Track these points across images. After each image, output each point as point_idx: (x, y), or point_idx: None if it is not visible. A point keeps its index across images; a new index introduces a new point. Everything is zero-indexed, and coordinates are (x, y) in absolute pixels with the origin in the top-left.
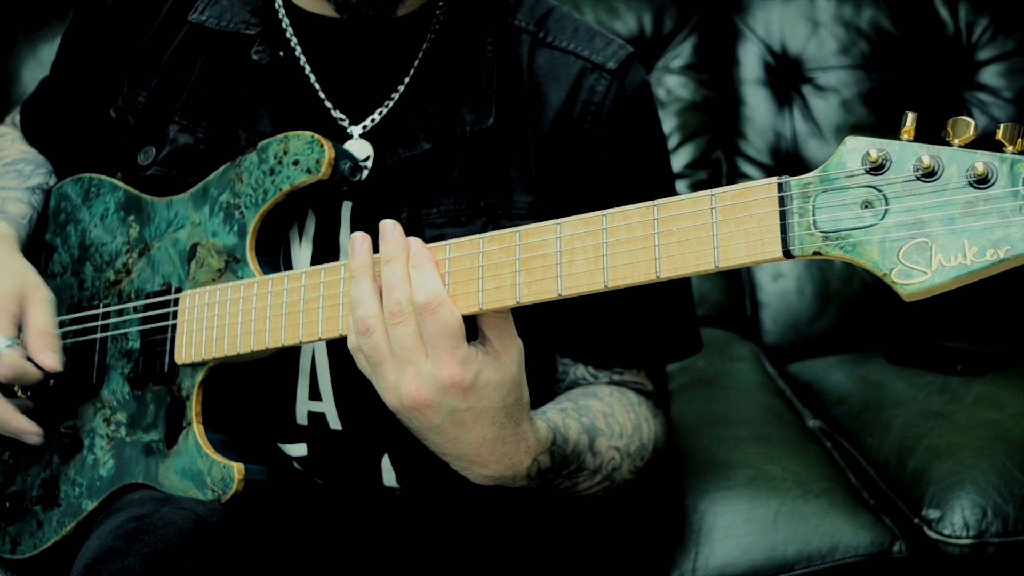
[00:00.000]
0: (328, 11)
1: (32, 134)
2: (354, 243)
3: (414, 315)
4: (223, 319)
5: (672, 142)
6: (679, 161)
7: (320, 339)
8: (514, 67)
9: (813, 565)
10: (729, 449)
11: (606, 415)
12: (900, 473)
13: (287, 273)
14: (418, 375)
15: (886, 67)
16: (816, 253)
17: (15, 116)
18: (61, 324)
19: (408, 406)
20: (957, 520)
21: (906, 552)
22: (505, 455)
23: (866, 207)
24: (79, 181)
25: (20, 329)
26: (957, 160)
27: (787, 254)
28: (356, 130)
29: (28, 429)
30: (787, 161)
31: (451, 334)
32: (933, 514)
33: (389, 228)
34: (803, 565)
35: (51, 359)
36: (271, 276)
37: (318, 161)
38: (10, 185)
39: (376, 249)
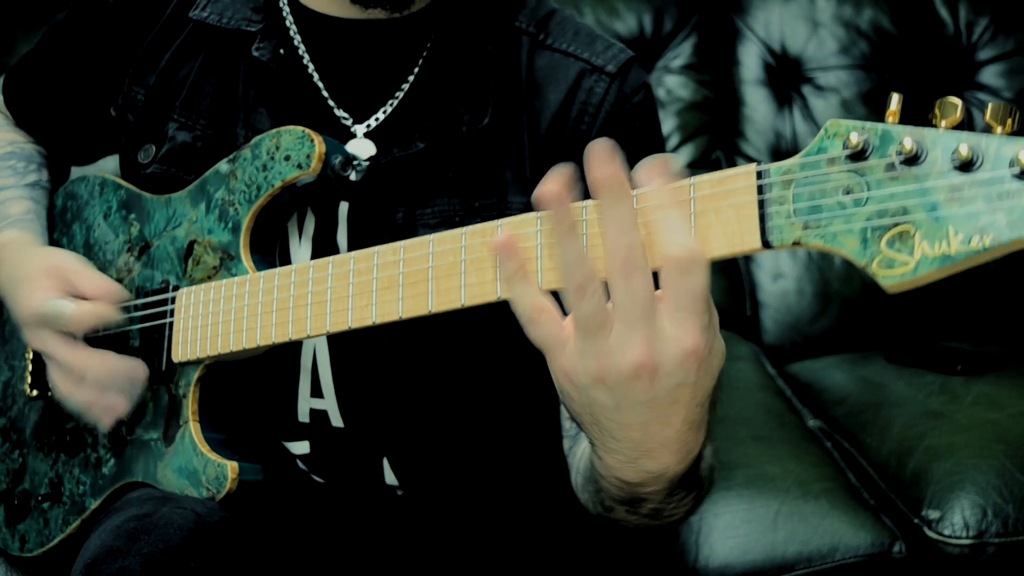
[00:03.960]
0: (333, 10)
1: (20, 114)
2: (550, 198)
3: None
4: (216, 317)
5: (672, 142)
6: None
7: (309, 336)
8: (513, 68)
9: (813, 565)
10: (729, 449)
11: None
12: (900, 473)
13: (277, 270)
14: (654, 338)
15: (886, 67)
16: (796, 243)
17: None
18: None
19: (628, 373)
20: (957, 520)
21: (906, 552)
22: (685, 444)
23: (847, 194)
24: (84, 180)
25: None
26: (942, 143)
27: (766, 244)
28: (360, 129)
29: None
30: None
31: (705, 297)
32: (933, 514)
33: (605, 155)
34: (803, 565)
35: (113, 293)
36: (262, 273)
37: (308, 156)
38: (8, 184)
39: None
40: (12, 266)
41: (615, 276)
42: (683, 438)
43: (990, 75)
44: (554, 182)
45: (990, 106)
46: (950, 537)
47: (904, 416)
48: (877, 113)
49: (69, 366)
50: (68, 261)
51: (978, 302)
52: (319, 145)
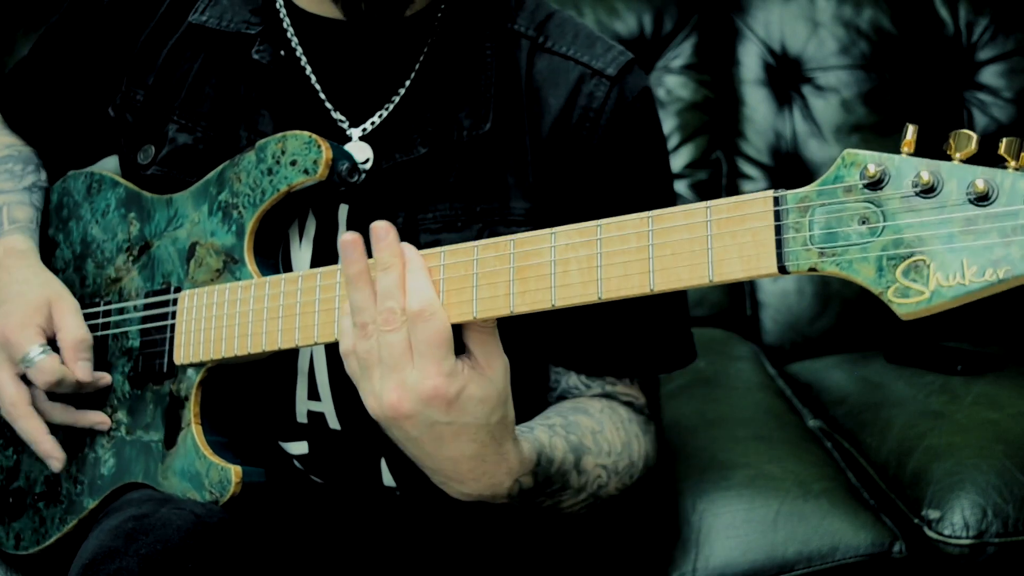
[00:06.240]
0: (329, 12)
1: (14, 120)
2: (345, 248)
3: (406, 323)
4: (220, 320)
5: (672, 142)
6: (679, 161)
7: (316, 343)
8: (513, 72)
9: (813, 565)
10: (729, 449)
11: (595, 432)
12: (900, 473)
13: (284, 276)
14: (401, 384)
15: (886, 67)
16: (811, 269)
17: None
18: None
19: (388, 415)
20: (957, 520)
21: (906, 552)
22: (484, 474)
23: (863, 223)
24: (81, 177)
25: (49, 339)
26: (957, 176)
27: (782, 270)
28: (356, 132)
29: (53, 454)
30: (787, 161)
31: (439, 343)
32: (933, 514)
33: (382, 232)
34: (803, 565)
35: (83, 370)
36: (268, 279)
37: (315, 162)
38: (6, 188)
39: (368, 249)
40: (11, 279)
41: (379, 331)
42: (472, 468)
43: (990, 75)
44: (353, 234)
45: (1004, 140)
46: (950, 537)
47: (904, 416)
48: (877, 113)
49: (4, 406)
50: (62, 301)
51: (978, 302)
52: (326, 151)
